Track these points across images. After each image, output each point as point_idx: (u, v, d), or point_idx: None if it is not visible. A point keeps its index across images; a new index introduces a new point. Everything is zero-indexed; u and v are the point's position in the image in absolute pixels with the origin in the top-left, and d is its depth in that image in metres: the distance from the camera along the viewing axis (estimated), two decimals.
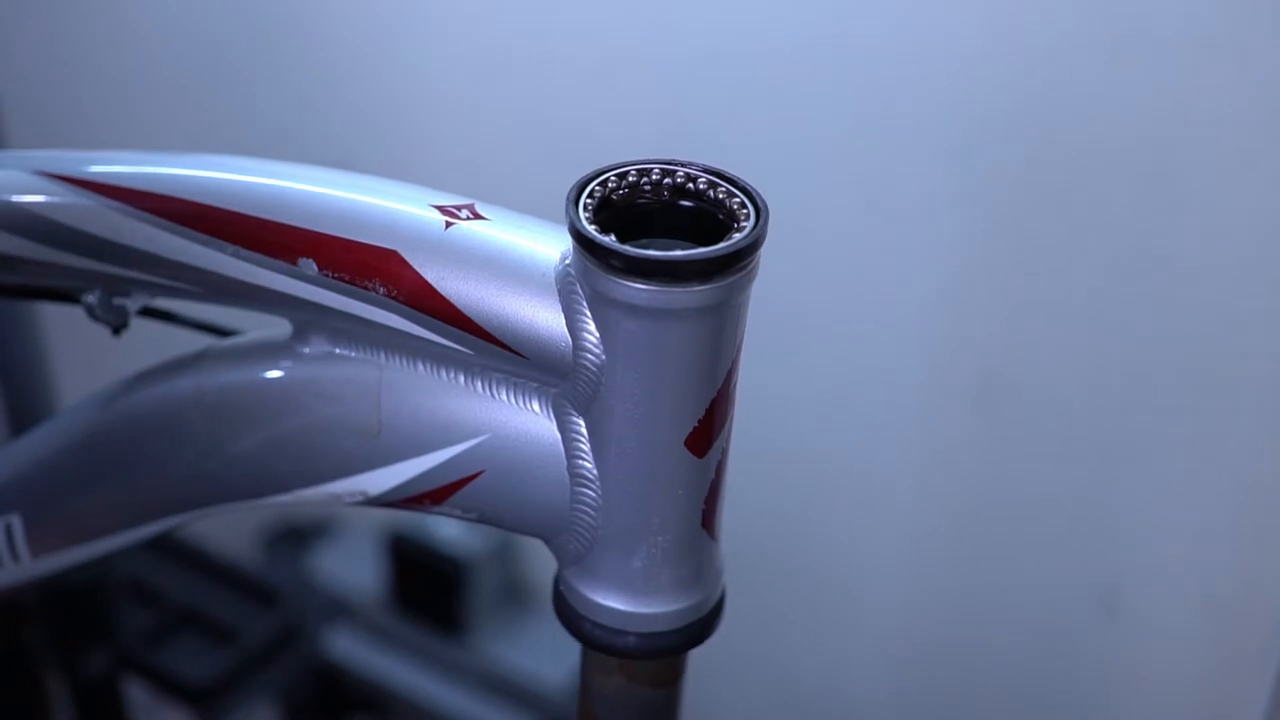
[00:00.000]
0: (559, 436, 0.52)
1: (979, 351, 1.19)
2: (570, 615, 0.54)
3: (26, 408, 1.32)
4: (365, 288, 0.52)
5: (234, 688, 1.44)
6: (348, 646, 1.55)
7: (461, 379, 0.53)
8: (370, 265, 0.52)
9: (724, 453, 0.52)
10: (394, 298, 0.51)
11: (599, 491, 0.51)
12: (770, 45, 1.15)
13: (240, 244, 0.54)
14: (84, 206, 0.56)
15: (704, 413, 0.49)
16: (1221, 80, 1.00)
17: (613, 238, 0.46)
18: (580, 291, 0.48)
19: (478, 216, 0.52)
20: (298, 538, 1.66)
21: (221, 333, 0.64)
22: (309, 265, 0.53)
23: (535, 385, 0.52)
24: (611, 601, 0.53)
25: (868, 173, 1.16)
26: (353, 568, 1.60)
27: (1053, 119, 1.07)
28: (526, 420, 0.53)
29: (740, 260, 0.46)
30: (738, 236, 0.47)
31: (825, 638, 1.38)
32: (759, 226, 0.47)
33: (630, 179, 0.49)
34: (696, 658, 0.56)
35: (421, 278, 0.51)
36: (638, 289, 0.46)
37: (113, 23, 1.50)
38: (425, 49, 1.33)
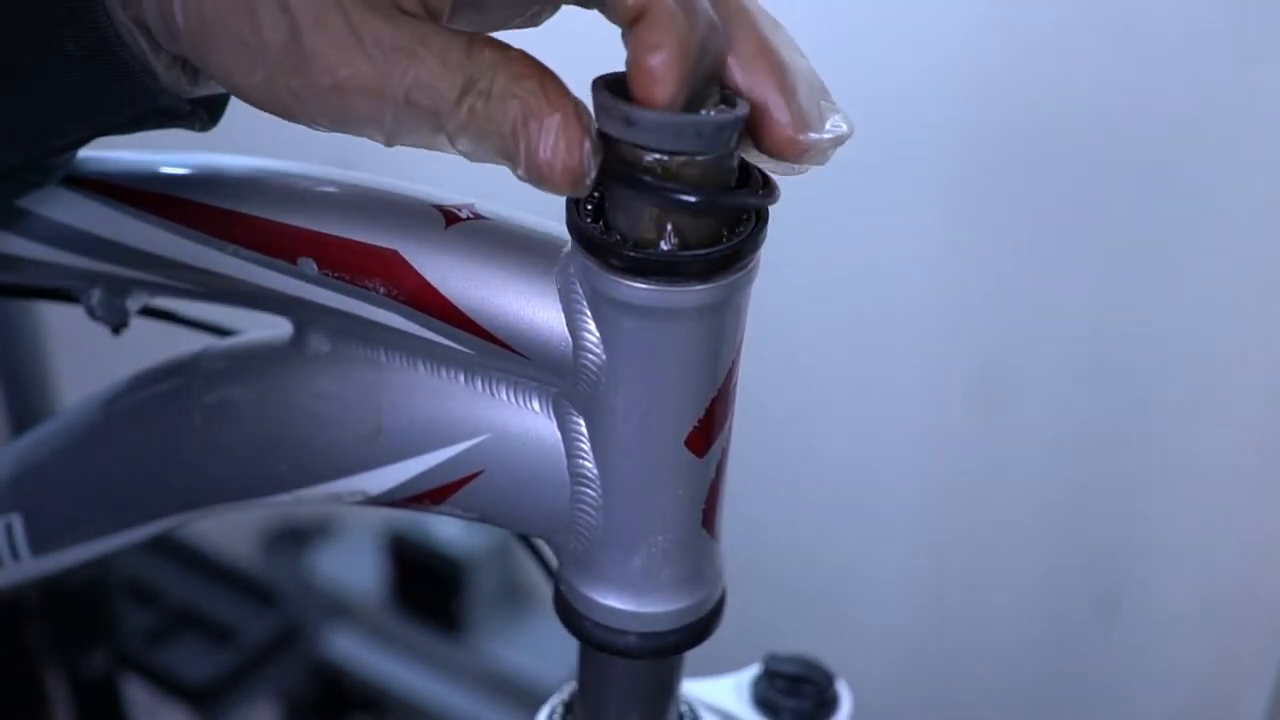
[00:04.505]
0: (559, 436, 0.52)
1: (978, 352, 1.19)
2: (570, 614, 0.54)
3: (26, 408, 1.32)
4: (365, 287, 0.52)
5: (234, 688, 1.44)
6: (348, 646, 1.55)
7: (461, 378, 0.53)
8: (370, 265, 0.51)
9: (724, 452, 0.51)
10: (394, 297, 0.51)
11: (599, 491, 0.51)
12: None
13: (240, 244, 0.54)
14: (84, 206, 0.56)
15: (704, 412, 0.49)
16: (1222, 78, 1.00)
17: (612, 236, 0.46)
18: (580, 291, 0.48)
19: (478, 216, 0.52)
20: (298, 538, 1.66)
21: (221, 333, 0.64)
22: (309, 265, 0.53)
23: (535, 385, 0.52)
24: (612, 601, 0.53)
25: (868, 171, 1.16)
26: (353, 568, 1.60)
27: (1054, 118, 1.07)
28: (527, 420, 0.52)
29: (740, 259, 0.46)
30: (738, 236, 0.47)
31: (825, 638, 1.38)
32: (759, 226, 0.47)
33: None
34: (695, 657, 0.56)
35: (422, 277, 0.51)
36: (637, 288, 0.46)
37: None
38: None
